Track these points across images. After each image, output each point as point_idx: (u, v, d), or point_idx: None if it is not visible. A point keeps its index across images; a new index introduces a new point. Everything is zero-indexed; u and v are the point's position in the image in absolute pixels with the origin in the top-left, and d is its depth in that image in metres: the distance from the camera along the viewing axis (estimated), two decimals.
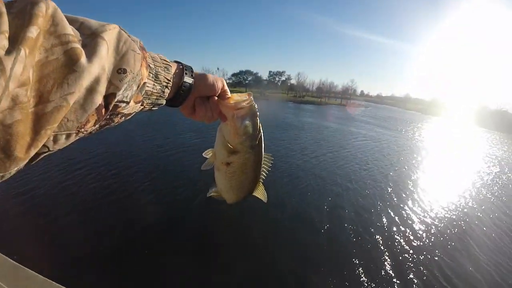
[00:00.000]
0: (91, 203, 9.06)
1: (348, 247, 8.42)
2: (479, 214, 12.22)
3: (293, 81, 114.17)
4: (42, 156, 0.49)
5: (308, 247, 8.21)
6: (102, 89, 0.52)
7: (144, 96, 0.70)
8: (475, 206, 13.10)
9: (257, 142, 0.98)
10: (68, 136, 0.51)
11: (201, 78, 0.86)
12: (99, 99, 0.52)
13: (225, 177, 1.04)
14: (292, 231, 8.99)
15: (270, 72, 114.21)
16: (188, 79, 0.82)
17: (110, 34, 0.55)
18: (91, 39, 0.51)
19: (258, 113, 0.94)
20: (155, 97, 0.74)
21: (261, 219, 9.31)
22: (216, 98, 0.90)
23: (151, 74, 0.70)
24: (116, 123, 0.67)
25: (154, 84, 0.72)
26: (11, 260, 3.57)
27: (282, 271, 6.98)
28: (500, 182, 17.94)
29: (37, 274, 3.43)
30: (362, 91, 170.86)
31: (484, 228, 10.86)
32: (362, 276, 7.22)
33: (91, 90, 0.50)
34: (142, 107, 0.73)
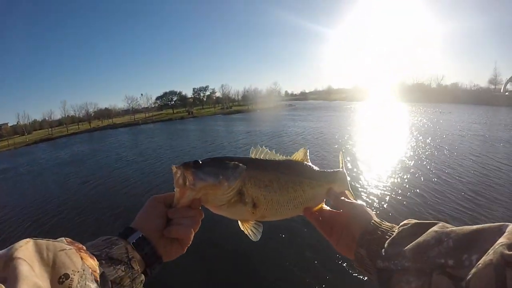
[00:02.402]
0: None
1: None
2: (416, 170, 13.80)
3: (218, 94, 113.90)
4: None
5: None
6: None
7: (117, 286, 0.63)
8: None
9: (243, 166, 0.89)
10: None
11: (140, 224, 0.79)
12: None
13: (271, 209, 0.93)
14: None
15: (194, 89, 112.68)
16: (133, 236, 0.74)
17: (25, 250, 0.48)
18: (6, 268, 0.44)
19: (192, 162, 0.84)
20: (128, 280, 0.65)
21: None
22: (171, 210, 0.83)
23: (102, 261, 0.62)
24: None
25: (114, 268, 0.64)
26: None
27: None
28: (425, 143, 20.21)
29: None
30: (286, 91, 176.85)
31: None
32: None
33: None
34: None
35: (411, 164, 14.95)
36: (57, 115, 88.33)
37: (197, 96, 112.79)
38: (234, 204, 0.87)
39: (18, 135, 73.55)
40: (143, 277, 0.70)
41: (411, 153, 17.48)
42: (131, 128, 67.33)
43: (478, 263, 0.52)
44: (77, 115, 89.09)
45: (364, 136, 25.07)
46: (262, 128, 37.94)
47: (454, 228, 0.65)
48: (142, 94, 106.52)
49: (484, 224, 0.61)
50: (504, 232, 0.54)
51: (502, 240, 0.52)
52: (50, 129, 78.96)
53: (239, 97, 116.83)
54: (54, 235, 0.62)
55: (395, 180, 12.56)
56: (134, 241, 0.73)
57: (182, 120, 74.97)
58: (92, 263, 0.57)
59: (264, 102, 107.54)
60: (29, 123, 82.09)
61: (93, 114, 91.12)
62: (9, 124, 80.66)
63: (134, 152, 28.93)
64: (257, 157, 0.97)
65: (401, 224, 0.78)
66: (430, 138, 21.95)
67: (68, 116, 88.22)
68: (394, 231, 0.77)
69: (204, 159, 0.88)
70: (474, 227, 0.61)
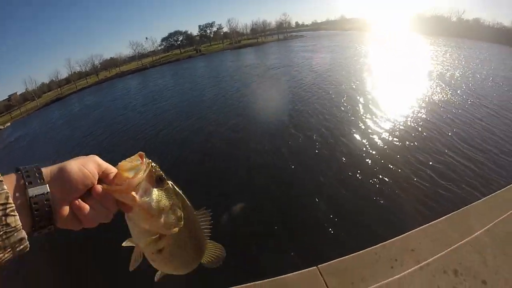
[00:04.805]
0: None
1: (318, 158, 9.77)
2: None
3: (225, 29, 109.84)
4: None
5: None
6: None
7: None
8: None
9: (182, 208, 0.80)
10: None
11: (59, 177, 0.63)
12: None
13: (164, 263, 0.86)
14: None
15: (199, 26, 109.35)
16: (36, 190, 0.59)
17: None
18: None
19: (163, 174, 0.76)
20: None
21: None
22: (99, 186, 0.68)
23: None
24: None
25: None
26: None
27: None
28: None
29: None
30: (297, 22, 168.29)
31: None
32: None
33: None
34: None
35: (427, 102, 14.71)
36: (64, 74, 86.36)
37: (204, 33, 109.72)
38: (145, 237, 0.78)
39: (28, 101, 72.60)
40: (23, 234, 0.57)
41: (428, 89, 17.11)
42: (139, 73, 67.45)
43: None
44: (83, 70, 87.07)
45: (377, 69, 24.39)
46: (271, 61, 38.55)
47: None
48: (146, 38, 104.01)
49: None
50: None
51: None
52: (59, 89, 78.00)
53: (248, 30, 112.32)
54: None
55: (405, 119, 12.46)
56: (34, 195, 0.58)
57: (190, 59, 74.61)
58: None
59: (273, 34, 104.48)
60: (37, 87, 79.96)
61: (99, 65, 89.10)
62: (18, 93, 79.69)
63: (142, 95, 32.11)
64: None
65: None
66: (448, 74, 21.15)
67: (75, 72, 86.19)
68: None
69: (171, 182, 0.80)
70: None
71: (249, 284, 3.37)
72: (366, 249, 3.58)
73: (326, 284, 3.20)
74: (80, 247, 8.55)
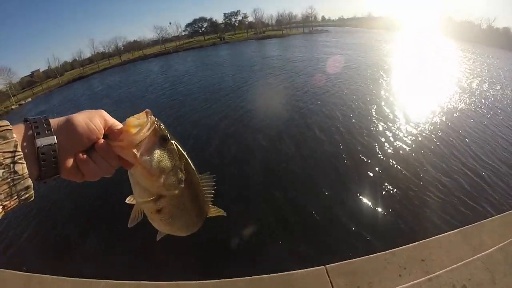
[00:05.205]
0: None
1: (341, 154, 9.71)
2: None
3: (250, 19, 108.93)
4: None
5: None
6: None
7: None
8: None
9: (184, 171, 0.78)
10: None
11: (65, 129, 0.63)
12: None
13: (164, 224, 0.85)
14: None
15: (224, 14, 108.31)
16: (44, 140, 0.59)
17: None
18: None
19: (167, 133, 0.73)
20: (6, 187, 0.53)
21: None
22: (103, 141, 0.68)
23: None
24: None
25: None
26: (21, 272, 3.89)
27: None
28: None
29: (47, 275, 3.77)
30: (323, 16, 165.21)
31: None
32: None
33: None
34: (2, 210, 0.54)
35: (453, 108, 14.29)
36: (87, 54, 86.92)
37: (229, 22, 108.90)
38: (145, 195, 0.77)
39: (51, 79, 74.10)
40: (29, 182, 0.58)
41: (456, 97, 16.52)
42: (162, 57, 68.03)
43: None
44: (106, 51, 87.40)
45: (401, 71, 23.65)
46: (295, 54, 38.28)
47: None
48: (170, 23, 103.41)
49: None
50: None
51: None
52: (81, 68, 79.20)
53: (273, 21, 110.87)
54: None
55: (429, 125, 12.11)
56: (42, 146, 0.60)
57: (214, 46, 74.83)
58: None
59: (299, 27, 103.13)
60: (60, 65, 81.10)
61: (122, 47, 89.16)
62: (41, 70, 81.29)
63: (164, 77, 33.38)
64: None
65: None
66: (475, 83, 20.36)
67: (98, 53, 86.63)
68: None
69: (176, 143, 0.78)
70: None
71: (258, 276, 3.46)
72: (376, 254, 3.59)
73: (332, 285, 3.22)
74: (82, 199, 8.71)
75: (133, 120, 0.69)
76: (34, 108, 38.06)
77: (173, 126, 13.89)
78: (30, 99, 53.83)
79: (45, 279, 3.83)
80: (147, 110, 0.71)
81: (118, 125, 0.70)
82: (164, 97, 22.02)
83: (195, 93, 21.24)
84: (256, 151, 10.46)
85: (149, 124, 0.68)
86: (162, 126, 0.73)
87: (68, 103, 32.26)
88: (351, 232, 6.32)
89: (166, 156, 0.73)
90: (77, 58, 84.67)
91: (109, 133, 0.69)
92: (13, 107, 51.36)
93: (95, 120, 0.66)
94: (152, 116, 0.70)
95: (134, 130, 0.67)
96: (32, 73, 77.53)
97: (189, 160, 0.81)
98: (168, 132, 0.74)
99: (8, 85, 61.06)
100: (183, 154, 0.78)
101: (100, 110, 0.70)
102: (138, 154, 0.67)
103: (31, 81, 72.01)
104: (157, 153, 0.71)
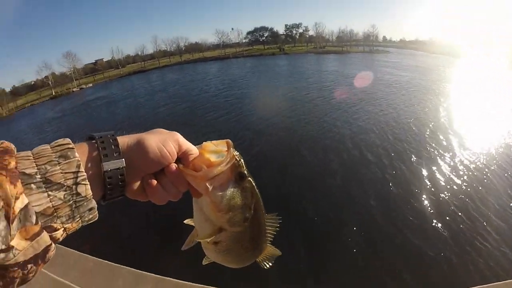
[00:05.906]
0: None
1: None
2: None
3: (311, 33, 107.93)
4: None
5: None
6: None
7: (43, 221, 0.47)
8: None
9: (252, 211, 0.75)
10: None
11: (136, 151, 0.61)
12: None
13: (216, 255, 0.82)
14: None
15: (286, 25, 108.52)
16: (112, 164, 0.56)
17: None
18: None
19: (245, 171, 0.70)
20: (67, 209, 0.50)
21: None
22: (175, 167, 0.65)
23: (32, 185, 0.46)
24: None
25: (49, 194, 0.47)
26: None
27: None
28: None
29: (73, 250, 3.84)
30: (384, 37, 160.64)
31: None
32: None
33: None
34: (63, 232, 0.51)
35: None
36: (149, 50, 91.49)
37: (289, 33, 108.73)
38: (208, 227, 0.75)
39: (112, 69, 79.50)
40: (93, 203, 0.55)
41: None
42: (221, 61, 69.28)
43: None
44: (168, 49, 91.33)
45: (466, 98, 21.14)
46: (354, 71, 35.95)
47: None
48: (232, 29, 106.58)
49: None
50: None
51: None
52: (142, 63, 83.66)
53: (333, 37, 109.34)
54: None
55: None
56: (109, 170, 0.57)
57: (273, 56, 74.95)
58: (10, 190, 0.43)
59: (359, 45, 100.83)
60: (123, 58, 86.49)
61: (183, 48, 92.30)
62: (104, 60, 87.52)
63: (222, 79, 33.14)
64: None
65: None
66: None
67: (160, 50, 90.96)
68: None
69: (251, 180, 0.74)
70: None
71: None
72: None
73: None
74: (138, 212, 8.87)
75: (211, 145, 0.68)
76: (93, 93, 40.60)
77: (225, 126, 14.63)
78: (91, 85, 57.95)
79: (70, 253, 3.82)
80: (228, 140, 0.68)
81: (193, 150, 0.67)
82: (219, 98, 22.67)
83: (247, 98, 21.61)
84: (296, 158, 10.63)
85: (228, 158, 0.66)
86: (242, 162, 0.69)
87: (125, 92, 34.13)
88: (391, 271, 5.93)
89: (239, 194, 0.70)
90: (139, 53, 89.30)
91: (182, 158, 0.67)
92: (74, 89, 56.24)
93: (168, 145, 0.63)
94: (233, 148, 0.67)
95: (212, 157, 0.66)
96: (96, 61, 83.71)
97: (260, 199, 0.77)
98: (246, 169, 0.70)
99: (72, 69, 66.69)
100: (256, 193, 0.75)
101: (174, 132, 0.67)
102: (210, 188, 0.65)
103: (93, 69, 77.96)
104: (231, 190, 0.68)
